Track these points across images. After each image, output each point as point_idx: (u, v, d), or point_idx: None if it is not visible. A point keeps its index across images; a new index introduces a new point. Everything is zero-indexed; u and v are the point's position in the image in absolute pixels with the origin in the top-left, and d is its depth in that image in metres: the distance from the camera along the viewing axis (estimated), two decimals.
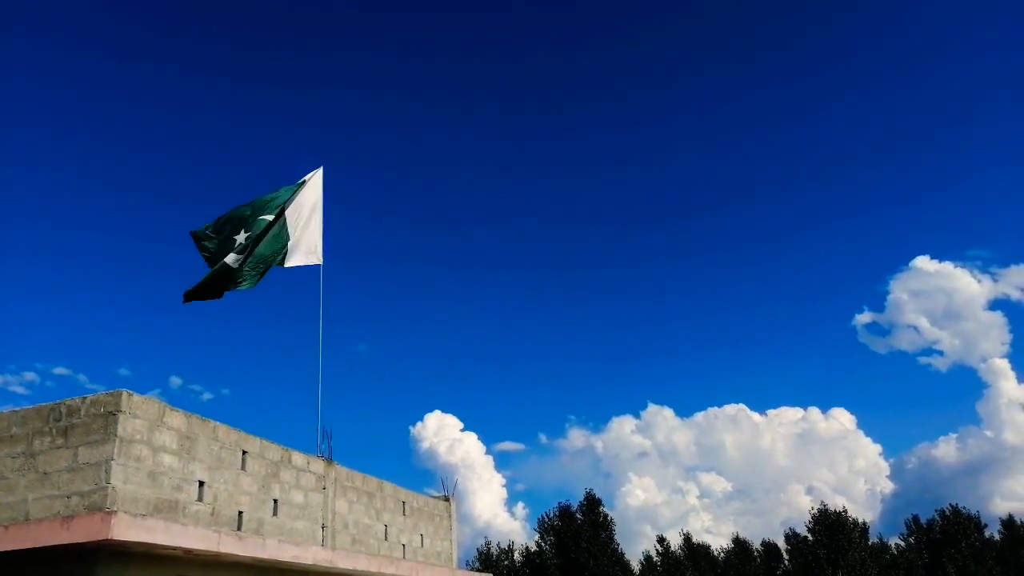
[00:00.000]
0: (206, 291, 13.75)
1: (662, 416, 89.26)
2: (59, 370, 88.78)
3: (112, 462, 8.94)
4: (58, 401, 9.58)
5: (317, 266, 15.15)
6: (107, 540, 8.04)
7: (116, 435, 9.07)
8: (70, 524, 8.17)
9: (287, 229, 14.79)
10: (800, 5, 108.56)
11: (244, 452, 11.26)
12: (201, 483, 10.30)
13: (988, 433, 74.70)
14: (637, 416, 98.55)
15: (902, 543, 51.59)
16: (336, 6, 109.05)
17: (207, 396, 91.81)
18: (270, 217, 14.48)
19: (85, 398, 9.45)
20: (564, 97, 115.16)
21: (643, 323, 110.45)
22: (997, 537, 50.29)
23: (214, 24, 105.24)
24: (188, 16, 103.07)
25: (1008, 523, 50.77)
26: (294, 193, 15.04)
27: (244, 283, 14.08)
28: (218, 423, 10.90)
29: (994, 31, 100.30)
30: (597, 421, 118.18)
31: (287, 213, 14.85)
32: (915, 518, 52.14)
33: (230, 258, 13.83)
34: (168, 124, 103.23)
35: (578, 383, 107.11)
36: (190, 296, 13.67)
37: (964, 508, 50.96)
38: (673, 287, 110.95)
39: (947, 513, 50.71)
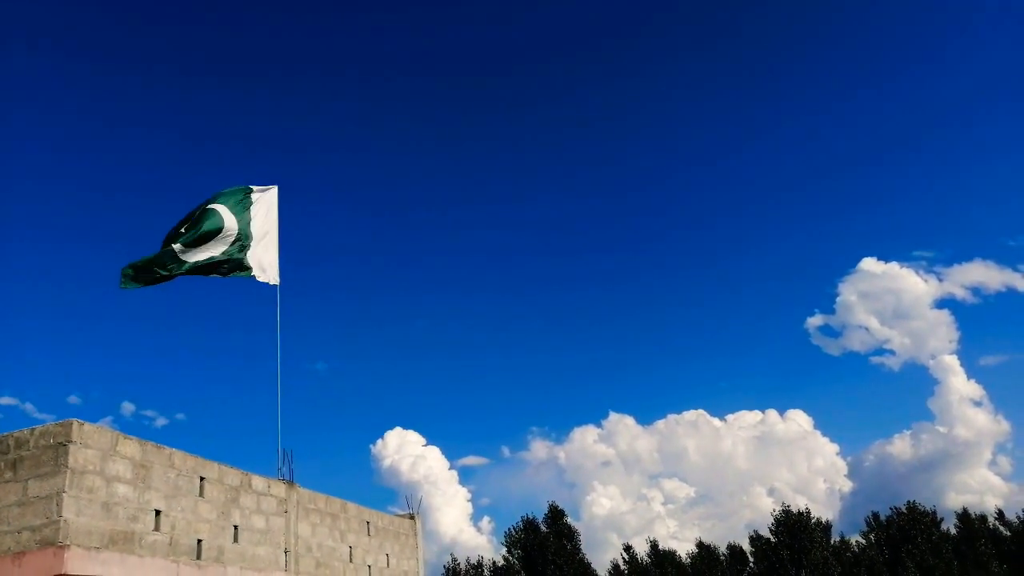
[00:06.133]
0: (145, 275, 13.55)
1: (623, 424, 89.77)
2: (5, 400, 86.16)
3: (64, 494, 8.71)
4: (5, 433, 9.34)
5: (273, 286, 14.98)
6: None
7: (67, 466, 8.83)
8: (21, 560, 7.93)
9: (248, 244, 14.64)
10: (737, 25, 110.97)
11: (202, 478, 11.03)
12: (158, 512, 10.06)
13: (941, 429, 76.57)
14: (599, 425, 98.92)
15: (862, 540, 52.48)
16: (286, 23, 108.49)
17: (161, 422, 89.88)
18: (219, 219, 14.27)
19: (34, 429, 9.21)
20: (513, 119, 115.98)
21: (601, 332, 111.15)
22: (953, 531, 51.43)
23: (156, 47, 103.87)
24: (131, 41, 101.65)
25: (963, 516, 51.96)
26: (247, 207, 14.83)
27: (177, 270, 13.87)
28: (174, 449, 10.68)
29: (933, 37, 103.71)
30: (559, 431, 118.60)
31: (252, 229, 14.71)
32: (875, 515, 53.14)
33: (177, 247, 13.67)
34: (111, 150, 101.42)
35: (539, 394, 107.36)
36: (129, 280, 13.46)
37: (920, 504, 52.09)
38: (629, 297, 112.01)
39: (904, 510, 51.71)
